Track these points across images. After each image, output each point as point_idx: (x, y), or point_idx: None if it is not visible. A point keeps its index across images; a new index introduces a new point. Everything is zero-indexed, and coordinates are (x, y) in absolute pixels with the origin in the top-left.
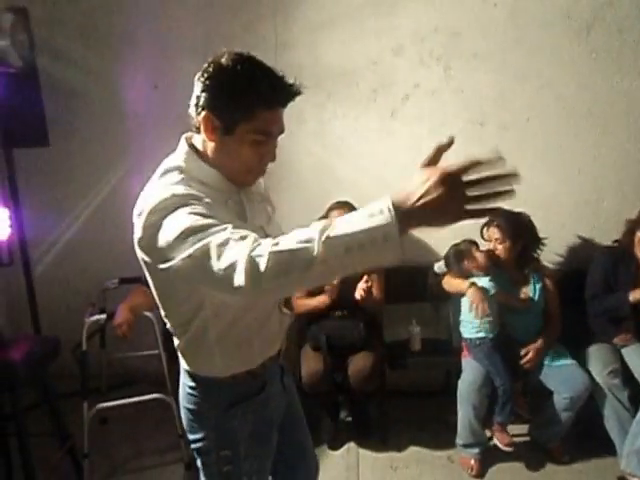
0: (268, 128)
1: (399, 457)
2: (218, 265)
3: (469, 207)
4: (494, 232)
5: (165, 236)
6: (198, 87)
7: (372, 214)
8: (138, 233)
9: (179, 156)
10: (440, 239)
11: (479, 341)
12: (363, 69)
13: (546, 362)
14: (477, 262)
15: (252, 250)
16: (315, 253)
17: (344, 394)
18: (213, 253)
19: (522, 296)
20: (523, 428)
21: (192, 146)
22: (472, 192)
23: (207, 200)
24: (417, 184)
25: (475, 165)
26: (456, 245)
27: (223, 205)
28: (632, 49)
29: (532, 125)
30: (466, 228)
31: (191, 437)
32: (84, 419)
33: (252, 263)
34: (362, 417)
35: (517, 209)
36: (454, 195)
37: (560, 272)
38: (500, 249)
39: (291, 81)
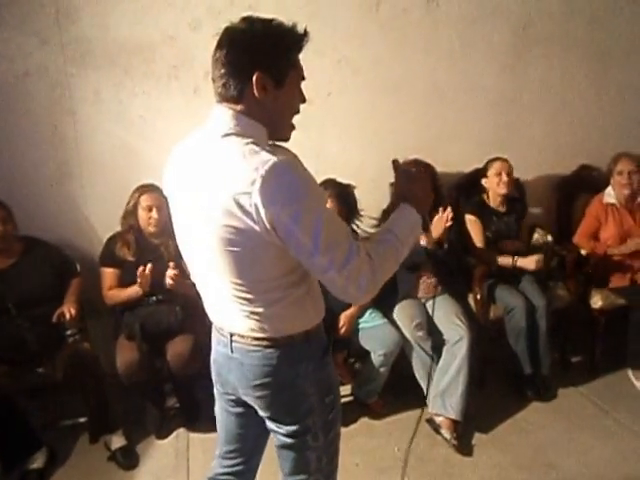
0: (302, 70)
1: None
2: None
3: None
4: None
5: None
6: (227, 57)
7: (409, 218)
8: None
9: (226, 123)
10: None
11: None
12: (160, 44)
13: (361, 325)
14: None
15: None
16: (402, 257)
17: (169, 381)
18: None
19: None
20: (346, 389)
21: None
22: None
23: None
24: (412, 192)
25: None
26: None
27: None
28: (415, 27)
29: (333, 99)
30: None
31: (290, 417)
32: None
33: (374, 285)
34: (189, 401)
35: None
36: (428, 192)
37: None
38: None
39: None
